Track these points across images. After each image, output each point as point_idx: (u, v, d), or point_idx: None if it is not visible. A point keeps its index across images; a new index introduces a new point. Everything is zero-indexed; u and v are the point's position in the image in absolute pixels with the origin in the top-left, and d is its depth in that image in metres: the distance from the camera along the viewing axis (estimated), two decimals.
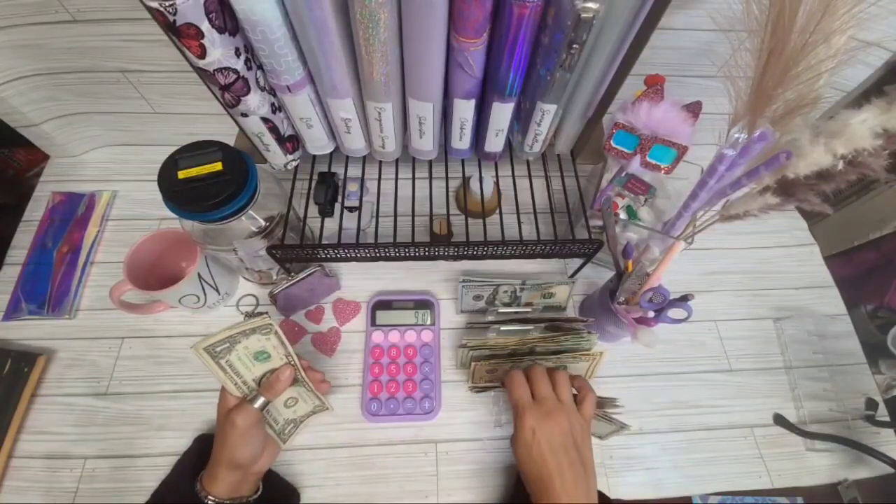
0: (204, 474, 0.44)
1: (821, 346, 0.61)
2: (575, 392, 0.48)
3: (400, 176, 0.58)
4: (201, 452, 0.47)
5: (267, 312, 0.47)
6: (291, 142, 0.55)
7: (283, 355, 0.46)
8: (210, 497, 0.42)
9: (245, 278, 0.64)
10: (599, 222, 0.57)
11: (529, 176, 0.59)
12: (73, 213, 0.67)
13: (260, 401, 0.44)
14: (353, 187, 0.62)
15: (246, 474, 0.44)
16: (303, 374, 0.47)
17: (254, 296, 0.63)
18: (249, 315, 0.61)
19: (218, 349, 0.42)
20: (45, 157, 0.72)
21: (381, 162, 0.59)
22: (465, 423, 0.56)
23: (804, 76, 0.39)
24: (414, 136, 0.53)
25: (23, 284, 0.62)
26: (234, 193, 0.44)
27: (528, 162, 0.59)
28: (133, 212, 0.68)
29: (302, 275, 0.56)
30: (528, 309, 0.60)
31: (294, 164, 0.57)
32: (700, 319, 0.62)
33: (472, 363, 0.53)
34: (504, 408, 0.57)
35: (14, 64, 0.58)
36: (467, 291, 0.59)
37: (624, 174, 0.56)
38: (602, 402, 0.50)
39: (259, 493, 0.46)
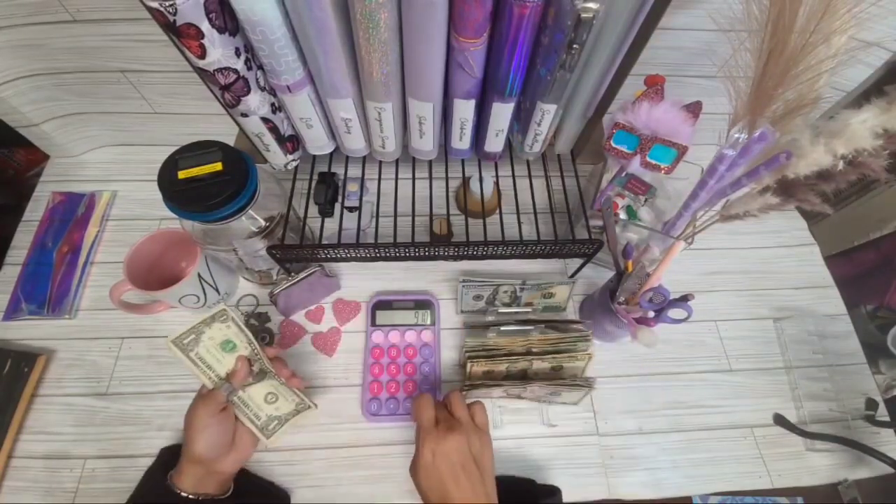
0: (174, 469, 0.44)
1: (821, 346, 0.61)
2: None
3: (400, 176, 0.58)
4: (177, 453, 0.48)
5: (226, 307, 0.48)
6: (291, 142, 0.55)
7: (247, 343, 0.47)
8: (178, 488, 0.42)
9: (245, 278, 0.64)
10: (599, 222, 0.57)
11: (529, 176, 0.59)
12: (73, 213, 0.67)
13: (224, 387, 0.44)
14: (353, 187, 0.62)
15: (209, 472, 0.44)
16: (267, 363, 0.47)
17: (254, 296, 0.63)
18: (250, 315, 0.61)
19: (185, 341, 0.45)
20: (45, 157, 0.72)
21: (381, 162, 0.59)
22: None
23: (804, 76, 0.39)
24: (414, 136, 0.53)
25: (23, 284, 0.62)
26: (234, 193, 0.44)
27: (528, 162, 0.59)
28: (133, 212, 0.68)
29: (302, 275, 0.56)
30: (528, 309, 0.60)
31: (294, 164, 0.57)
32: (700, 319, 0.62)
33: (469, 363, 0.53)
34: (502, 409, 0.57)
35: (14, 64, 0.58)
36: (467, 291, 0.59)
37: (624, 174, 0.56)
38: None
39: (230, 492, 0.46)
